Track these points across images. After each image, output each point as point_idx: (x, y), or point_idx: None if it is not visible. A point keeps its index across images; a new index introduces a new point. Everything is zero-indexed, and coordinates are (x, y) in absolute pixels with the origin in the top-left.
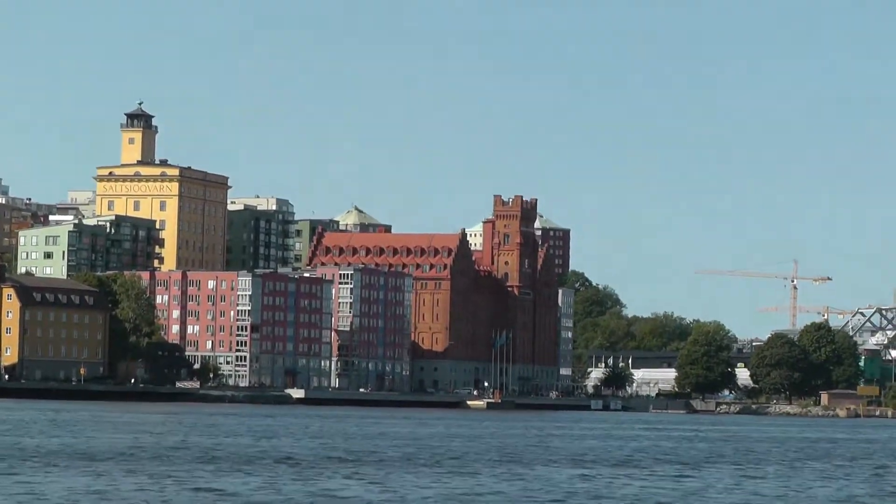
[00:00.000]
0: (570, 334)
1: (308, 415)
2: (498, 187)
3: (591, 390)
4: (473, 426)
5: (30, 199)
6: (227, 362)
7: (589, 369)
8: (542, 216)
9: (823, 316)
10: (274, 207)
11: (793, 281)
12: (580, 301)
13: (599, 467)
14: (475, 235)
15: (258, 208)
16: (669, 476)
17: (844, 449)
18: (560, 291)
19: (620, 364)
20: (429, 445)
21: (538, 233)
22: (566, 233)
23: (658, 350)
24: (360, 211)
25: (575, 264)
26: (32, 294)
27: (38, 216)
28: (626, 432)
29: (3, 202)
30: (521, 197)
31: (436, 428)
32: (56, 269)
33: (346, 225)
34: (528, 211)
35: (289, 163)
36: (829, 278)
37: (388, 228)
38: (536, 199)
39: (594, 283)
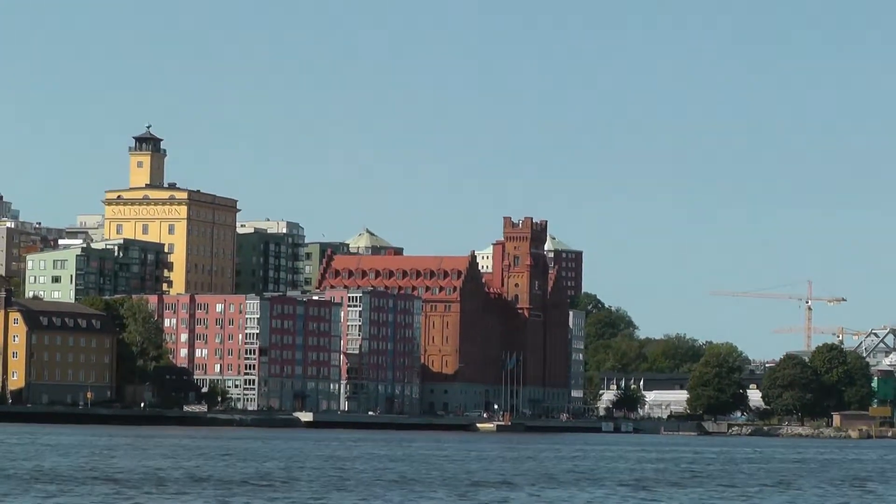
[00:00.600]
0: (581, 356)
1: (303, 438)
2: (512, 210)
3: (602, 412)
4: (459, 449)
5: (39, 224)
6: (236, 386)
7: (601, 391)
8: (554, 238)
9: (838, 337)
10: (284, 230)
11: (807, 302)
12: (593, 323)
13: (543, 488)
14: (486, 258)
15: (268, 231)
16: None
17: (833, 469)
18: (571, 313)
19: (632, 386)
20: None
21: (550, 255)
22: (579, 255)
23: (670, 372)
24: (372, 234)
25: (588, 286)
26: (39, 318)
27: (47, 240)
28: (613, 453)
29: (13, 226)
30: (531, 219)
31: (413, 450)
32: (64, 293)
33: (358, 248)
34: (538, 233)
35: (300, 186)
36: (843, 299)
37: (399, 251)
38: (546, 221)
39: (607, 305)
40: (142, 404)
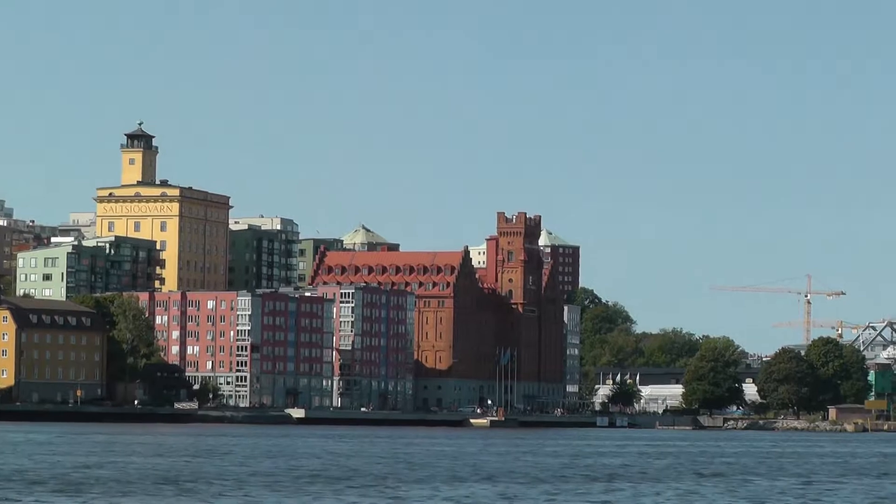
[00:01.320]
0: (576, 351)
1: (279, 434)
2: (509, 205)
3: (598, 407)
4: (422, 445)
5: (33, 222)
6: (228, 383)
7: (596, 386)
8: (551, 233)
9: (837, 331)
10: (278, 227)
11: (806, 296)
12: (590, 318)
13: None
14: (480, 253)
15: (262, 228)
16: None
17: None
18: (566, 308)
19: (628, 381)
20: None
21: (547, 250)
22: (575, 250)
23: (666, 366)
24: (368, 230)
25: (584, 281)
26: (28, 316)
27: (40, 238)
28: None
29: (5, 224)
30: (525, 214)
31: (365, 446)
32: (55, 291)
33: (354, 244)
34: (531, 227)
35: (294, 182)
36: (842, 293)
37: (395, 247)
38: (540, 216)
39: (604, 300)
40: (134, 402)
